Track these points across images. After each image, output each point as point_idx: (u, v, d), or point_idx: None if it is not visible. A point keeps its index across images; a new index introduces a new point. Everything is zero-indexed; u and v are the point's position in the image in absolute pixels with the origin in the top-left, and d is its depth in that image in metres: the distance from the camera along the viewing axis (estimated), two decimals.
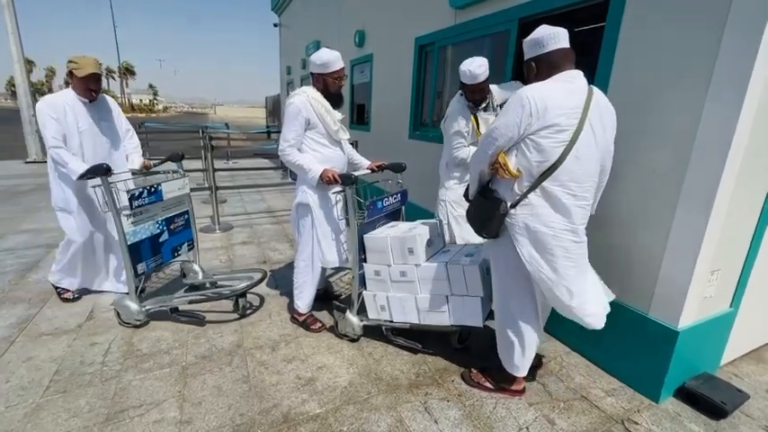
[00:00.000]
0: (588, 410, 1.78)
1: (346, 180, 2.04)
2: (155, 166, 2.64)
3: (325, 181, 2.10)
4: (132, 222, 2.24)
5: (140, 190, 2.25)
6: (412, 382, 1.94)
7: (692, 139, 1.60)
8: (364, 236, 2.16)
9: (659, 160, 1.73)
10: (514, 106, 1.43)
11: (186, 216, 2.71)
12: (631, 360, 1.93)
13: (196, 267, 2.85)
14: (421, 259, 2.00)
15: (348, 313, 2.23)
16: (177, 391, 1.83)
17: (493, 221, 1.56)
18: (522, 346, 1.74)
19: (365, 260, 2.19)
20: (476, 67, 2.18)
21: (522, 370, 1.79)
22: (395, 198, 2.32)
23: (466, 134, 2.35)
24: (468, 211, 1.72)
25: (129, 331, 2.31)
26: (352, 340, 2.28)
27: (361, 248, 2.17)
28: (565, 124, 1.40)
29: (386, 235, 2.08)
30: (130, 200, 2.19)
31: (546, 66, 1.48)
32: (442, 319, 2.02)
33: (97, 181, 2.13)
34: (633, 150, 1.80)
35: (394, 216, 2.44)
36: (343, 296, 2.84)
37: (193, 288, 2.82)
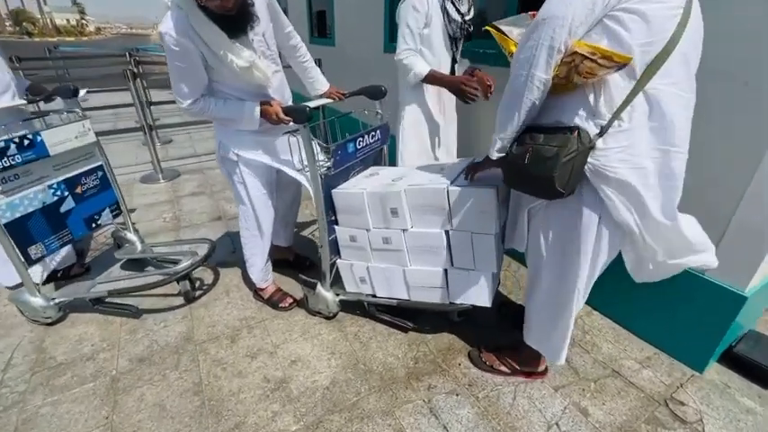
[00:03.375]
0: (624, 390, 1.48)
1: (299, 115, 1.41)
2: (29, 103, 1.86)
3: (273, 122, 1.46)
4: (1, 192, 1.57)
5: (1, 144, 1.54)
6: (410, 372, 1.56)
7: None
8: (332, 191, 1.60)
9: (753, 68, 1.19)
10: None
11: (100, 173, 2.03)
12: (672, 324, 1.60)
13: (131, 236, 2.24)
14: (408, 222, 1.49)
15: (320, 288, 1.77)
16: (104, 417, 1.38)
17: (566, 166, 1.01)
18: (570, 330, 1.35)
19: (336, 221, 1.67)
20: None
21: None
22: (372, 136, 1.72)
23: (416, 33, 1.73)
24: (511, 173, 1.15)
25: (39, 330, 1.78)
26: (328, 318, 1.85)
27: (331, 207, 1.63)
28: None
29: (360, 190, 1.53)
30: None
31: None
32: (438, 296, 1.59)
33: None
34: (717, 58, 1.24)
35: (374, 159, 1.86)
36: (320, 256, 2.35)
37: (130, 264, 2.26)
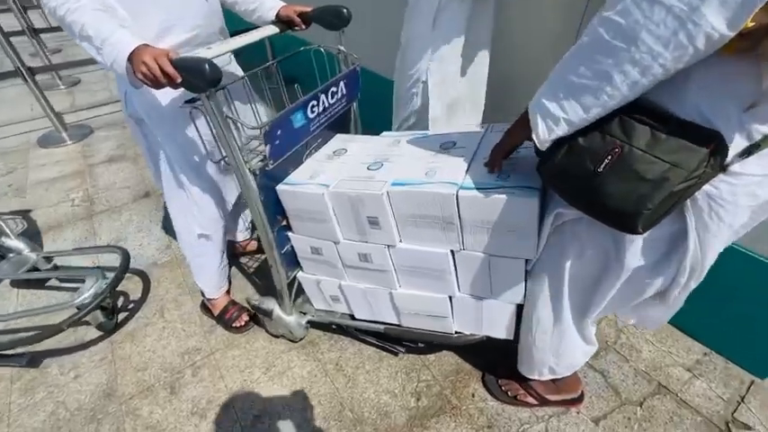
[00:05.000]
0: (677, 414, 1.19)
1: (192, 77, 0.78)
2: None
3: (147, 79, 0.82)
4: None
5: None
6: (413, 415, 1.20)
7: None
8: (278, 187, 1.05)
9: None
10: None
11: None
12: (726, 317, 1.28)
13: (12, 242, 1.64)
14: (395, 236, 0.98)
15: (278, 312, 1.31)
16: None
17: (669, 200, 0.57)
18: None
19: (289, 227, 1.15)
20: None
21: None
22: (333, 94, 1.11)
23: None
24: (560, 174, 0.68)
25: None
26: (294, 341, 1.42)
27: (278, 208, 1.10)
28: None
29: (319, 187, 0.99)
30: None
31: None
32: (439, 325, 1.16)
33: None
34: None
35: (339, 124, 1.27)
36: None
37: (17, 284, 1.69)
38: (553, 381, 1.17)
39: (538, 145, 0.68)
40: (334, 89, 1.10)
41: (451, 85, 1.33)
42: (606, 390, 1.25)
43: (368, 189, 0.93)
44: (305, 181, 1.04)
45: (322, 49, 1.21)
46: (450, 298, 1.08)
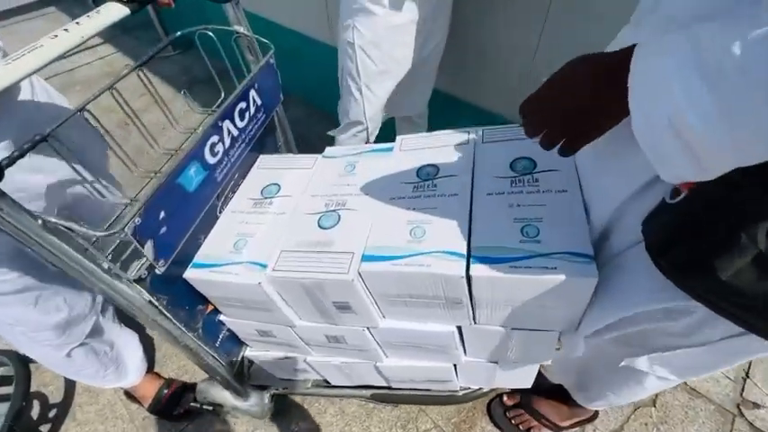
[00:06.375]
0: (691, 408, 1.12)
1: None
2: None
3: None
4: None
5: None
6: None
7: None
8: (186, 275, 0.69)
9: None
10: None
11: None
12: None
13: None
14: (375, 317, 0.69)
15: (231, 401, 1.00)
16: None
17: None
18: None
19: (215, 309, 0.81)
20: None
21: None
22: (242, 114, 0.71)
23: None
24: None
25: None
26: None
27: (197, 297, 0.75)
28: None
29: (252, 275, 0.65)
30: None
31: None
32: (442, 386, 0.93)
33: None
34: None
35: (259, 142, 0.88)
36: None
37: None
38: (567, 405, 1.04)
39: (664, 176, 0.34)
40: (242, 105, 0.70)
41: (392, 52, 0.99)
42: None
43: (329, 270, 0.61)
44: (226, 258, 0.69)
45: (210, 33, 0.78)
46: (455, 366, 0.84)
